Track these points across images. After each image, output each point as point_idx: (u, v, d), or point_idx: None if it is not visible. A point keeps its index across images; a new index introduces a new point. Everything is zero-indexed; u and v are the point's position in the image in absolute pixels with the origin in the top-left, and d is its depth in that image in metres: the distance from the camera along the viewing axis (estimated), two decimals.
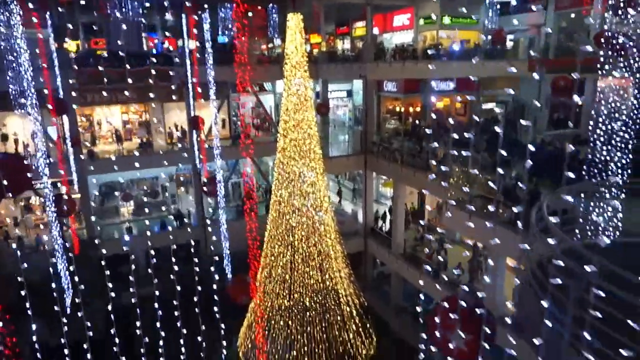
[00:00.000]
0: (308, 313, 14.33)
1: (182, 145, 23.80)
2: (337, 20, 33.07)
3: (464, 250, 19.14)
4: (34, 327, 11.88)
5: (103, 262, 22.33)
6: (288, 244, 14.29)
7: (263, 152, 24.41)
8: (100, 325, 19.28)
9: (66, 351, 11.78)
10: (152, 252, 25.19)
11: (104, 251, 18.66)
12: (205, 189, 15.52)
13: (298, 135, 13.87)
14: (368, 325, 15.73)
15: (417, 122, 23.92)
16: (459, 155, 17.83)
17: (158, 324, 14.21)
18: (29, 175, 7.45)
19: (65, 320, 12.37)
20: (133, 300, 21.53)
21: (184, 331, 17.76)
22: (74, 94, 20.62)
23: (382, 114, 25.93)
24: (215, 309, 14.07)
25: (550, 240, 4.21)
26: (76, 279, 13.22)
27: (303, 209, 14.19)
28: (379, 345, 16.63)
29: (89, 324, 12.24)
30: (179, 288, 21.43)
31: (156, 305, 15.62)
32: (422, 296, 11.24)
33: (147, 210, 24.94)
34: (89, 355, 12.43)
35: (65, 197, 12.80)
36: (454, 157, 18.73)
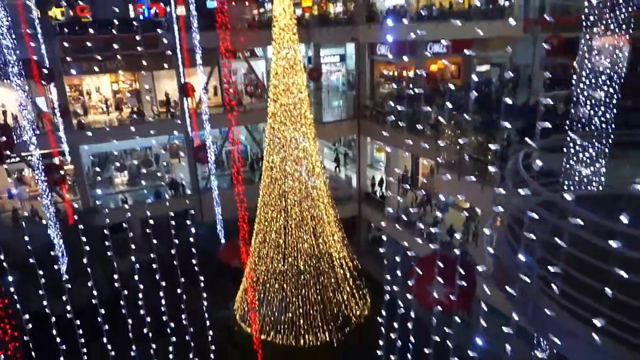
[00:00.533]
0: (302, 276, 14.58)
1: (173, 114, 23.58)
2: None
3: (459, 213, 19.34)
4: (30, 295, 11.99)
5: (101, 231, 22.51)
6: (281, 209, 14.39)
7: (256, 119, 24.24)
8: (102, 292, 19.63)
9: (69, 318, 11.92)
10: (149, 221, 25.38)
11: (104, 220, 18.90)
12: (196, 156, 15.47)
13: (288, 99, 13.74)
14: (362, 287, 16.04)
15: (410, 85, 23.65)
16: (451, 118, 17.83)
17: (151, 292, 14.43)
18: (12, 140, 7.43)
19: (69, 287, 12.58)
20: (131, 267, 21.84)
21: (184, 297, 18.08)
22: (61, 63, 20.26)
23: (376, 78, 25.61)
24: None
25: (522, 192, 4.24)
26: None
27: (295, 174, 14.21)
28: (375, 306, 17.02)
29: (94, 292, 12.39)
30: (174, 254, 21.71)
31: (153, 271, 15.84)
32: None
33: (141, 180, 24.95)
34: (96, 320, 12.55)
35: (56, 166, 12.75)
36: (446, 119, 18.74)
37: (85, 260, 11.77)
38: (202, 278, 14.94)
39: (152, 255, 19.14)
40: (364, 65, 22.40)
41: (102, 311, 12.03)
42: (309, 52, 26.01)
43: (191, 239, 15.70)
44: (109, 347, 12.48)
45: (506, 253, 4.60)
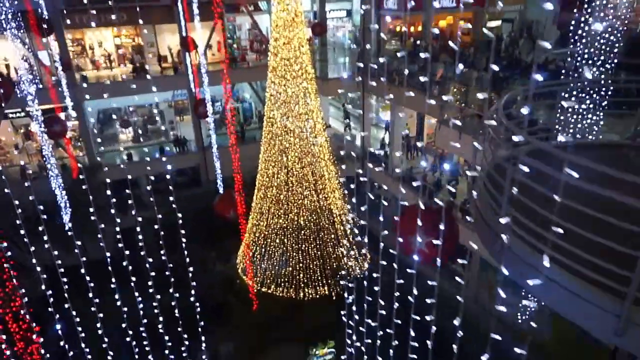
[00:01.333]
0: (302, 231, 14.76)
1: (176, 69, 23.33)
2: None
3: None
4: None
5: (106, 187, 22.75)
6: (282, 165, 14.41)
7: (260, 75, 23.87)
8: (107, 246, 20.11)
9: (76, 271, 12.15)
10: (153, 177, 25.61)
11: (109, 176, 19.04)
12: (196, 111, 15.42)
13: (289, 53, 13.45)
14: (362, 243, 16.24)
15: (417, 42, 23.07)
16: (458, 75, 17.45)
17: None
18: (11, 86, 7.47)
19: (79, 243, 12.82)
20: (136, 222, 22.20)
21: (185, 252, 18.41)
22: (61, 15, 19.94)
23: (383, 34, 24.96)
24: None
25: (516, 137, 4.15)
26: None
27: (296, 130, 14.12)
28: (374, 262, 17.30)
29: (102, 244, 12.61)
30: (178, 210, 22.00)
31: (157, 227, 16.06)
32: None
33: (146, 137, 25.07)
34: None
35: (56, 119, 12.79)
36: (452, 76, 18.34)
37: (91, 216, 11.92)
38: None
39: (155, 211, 19.33)
40: (370, 20, 21.77)
41: (108, 265, 12.27)
42: (314, 6, 25.31)
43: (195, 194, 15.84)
44: (116, 298, 12.80)
45: (484, 199, 4.60)
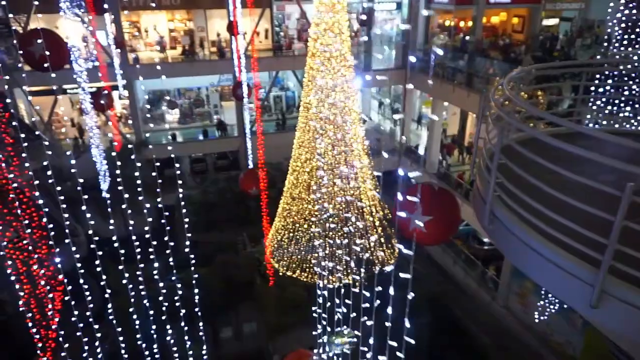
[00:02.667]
0: (330, 219, 14.77)
1: (223, 54, 23.86)
2: None
3: None
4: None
5: (151, 164, 23.63)
6: (314, 151, 14.47)
7: (305, 64, 24.05)
8: (144, 221, 20.97)
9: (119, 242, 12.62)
10: (196, 158, 26.25)
11: (154, 154, 19.75)
12: (234, 92, 15.76)
13: (328, 39, 13.45)
14: (391, 236, 16.07)
15: (466, 37, 22.43)
16: (506, 72, 16.84)
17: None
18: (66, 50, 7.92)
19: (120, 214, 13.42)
20: (177, 201, 22.92)
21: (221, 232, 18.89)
22: None
23: (432, 29, 24.45)
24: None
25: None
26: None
27: (330, 116, 14.12)
28: (402, 258, 17.10)
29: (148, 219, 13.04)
30: (217, 192, 22.58)
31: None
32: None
33: (192, 119, 25.88)
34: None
35: (102, 92, 13.45)
36: (501, 73, 17.71)
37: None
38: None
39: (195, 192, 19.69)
40: (417, 13, 21.39)
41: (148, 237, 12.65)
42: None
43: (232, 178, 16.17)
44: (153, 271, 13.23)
45: (482, 176, 4.50)
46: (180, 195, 12.32)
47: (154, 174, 14.53)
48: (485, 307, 16.95)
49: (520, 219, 3.72)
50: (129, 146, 20.30)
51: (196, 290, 15.19)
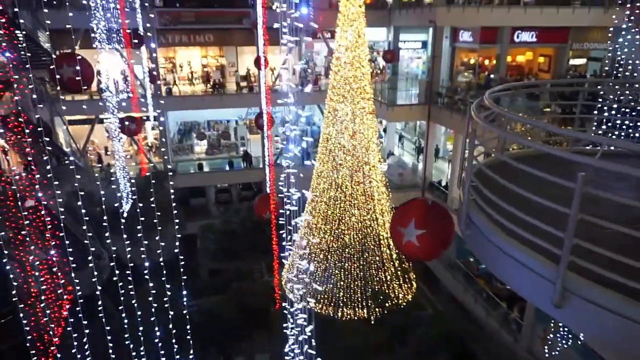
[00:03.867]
0: (347, 250, 14.70)
1: (252, 88, 24.73)
2: None
3: None
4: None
5: (177, 192, 24.19)
6: (332, 181, 14.60)
7: None
8: (168, 249, 21.27)
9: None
10: (220, 188, 26.80)
11: (181, 182, 20.29)
12: (256, 122, 16.25)
13: (349, 72, 13.83)
14: (408, 271, 15.79)
15: (491, 76, 22.53)
16: (530, 109, 16.75)
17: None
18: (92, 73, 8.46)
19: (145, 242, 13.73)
20: (199, 229, 23.26)
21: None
22: (156, 33, 22.17)
23: (457, 66, 24.72)
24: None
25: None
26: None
27: (349, 147, 14.31)
28: (420, 294, 16.74)
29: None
30: (238, 222, 22.76)
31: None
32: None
33: (219, 150, 26.65)
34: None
35: (132, 118, 14.14)
36: (524, 110, 17.59)
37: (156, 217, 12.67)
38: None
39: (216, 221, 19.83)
40: (441, 50, 21.72)
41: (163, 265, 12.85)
42: (389, 36, 25.77)
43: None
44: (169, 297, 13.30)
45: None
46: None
47: (173, 202, 14.95)
48: (507, 349, 16.20)
49: (492, 222, 3.71)
50: (156, 173, 20.98)
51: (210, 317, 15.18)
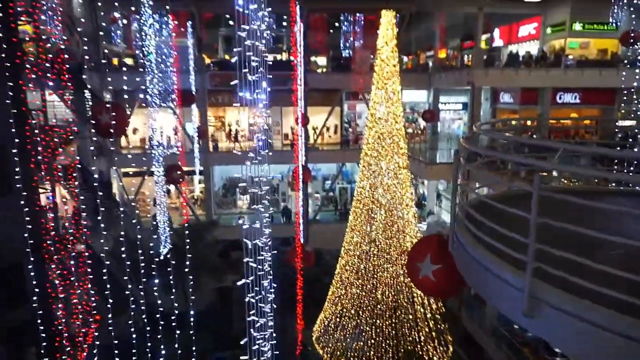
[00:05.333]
0: (379, 306, 14.33)
1: (294, 146, 25.62)
2: (463, 34, 32.60)
3: None
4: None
5: (218, 244, 24.77)
6: (365, 235, 14.57)
7: None
8: (207, 300, 21.49)
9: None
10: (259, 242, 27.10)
11: (222, 235, 20.85)
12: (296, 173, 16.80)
13: (383, 128, 14.21)
14: (444, 332, 15.06)
15: (533, 136, 22.24)
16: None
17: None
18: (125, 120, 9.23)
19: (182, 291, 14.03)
20: (234, 282, 23.49)
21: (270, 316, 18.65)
22: (207, 94, 23.88)
23: (497, 127, 24.65)
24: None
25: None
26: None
27: (383, 201, 14.38)
28: (457, 358, 15.82)
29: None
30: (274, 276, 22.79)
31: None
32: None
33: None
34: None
35: (175, 167, 15.01)
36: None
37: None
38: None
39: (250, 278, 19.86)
40: (479, 110, 21.88)
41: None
42: (429, 98, 26.31)
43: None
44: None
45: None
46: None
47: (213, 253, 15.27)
48: None
49: (473, 237, 3.71)
50: (197, 224, 21.70)
51: None
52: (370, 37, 24.22)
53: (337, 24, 34.93)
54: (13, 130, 10.21)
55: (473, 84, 19.94)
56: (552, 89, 21.10)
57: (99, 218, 12.70)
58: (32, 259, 10.60)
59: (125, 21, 26.87)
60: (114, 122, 8.45)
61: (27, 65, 10.92)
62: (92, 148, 15.24)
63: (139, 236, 15.26)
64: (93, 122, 8.70)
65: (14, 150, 10.35)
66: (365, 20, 29.86)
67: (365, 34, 28.63)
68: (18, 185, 10.38)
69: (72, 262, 12.81)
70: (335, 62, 26.66)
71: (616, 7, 18.82)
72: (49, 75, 12.80)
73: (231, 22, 31.27)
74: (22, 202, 10.50)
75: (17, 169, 10.32)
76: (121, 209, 18.51)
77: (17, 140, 10.32)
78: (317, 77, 24.26)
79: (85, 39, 18.21)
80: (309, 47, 29.11)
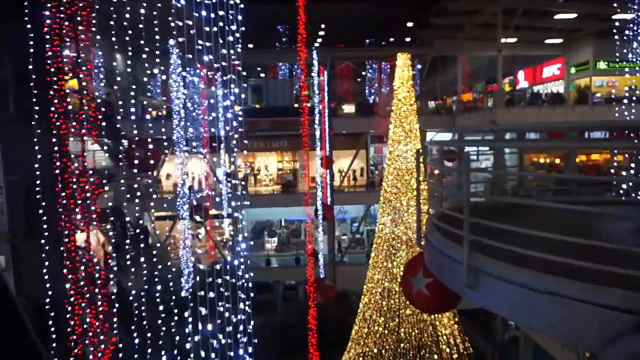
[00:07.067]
0: (402, 344, 14.00)
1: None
2: (487, 78, 33.05)
3: None
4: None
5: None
6: (386, 271, 14.50)
7: None
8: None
9: None
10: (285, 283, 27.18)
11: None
12: (317, 214, 17.03)
13: (401, 165, 14.47)
14: None
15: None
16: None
17: None
18: (153, 159, 9.85)
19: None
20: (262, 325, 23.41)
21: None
22: (236, 141, 24.90)
23: (526, 166, 24.37)
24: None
25: None
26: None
27: (403, 237, 14.39)
28: None
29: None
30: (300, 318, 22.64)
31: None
32: None
33: (288, 247, 27.61)
34: None
35: (202, 206, 15.62)
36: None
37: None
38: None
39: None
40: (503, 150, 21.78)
41: None
42: (454, 137, 26.45)
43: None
44: None
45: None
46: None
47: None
48: None
49: (433, 227, 3.83)
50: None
51: None
52: (393, 83, 25.01)
53: (363, 73, 36.28)
54: (54, 173, 11.02)
55: (495, 123, 20.03)
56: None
57: (131, 257, 13.27)
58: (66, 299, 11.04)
59: (164, 76, 28.84)
60: (149, 156, 9.10)
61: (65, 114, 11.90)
62: (127, 194, 16.03)
63: (169, 276, 15.70)
64: (127, 156, 9.37)
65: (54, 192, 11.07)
66: (390, 67, 30.89)
67: (390, 80, 29.53)
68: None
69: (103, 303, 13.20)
70: (360, 106, 27.43)
71: (633, 44, 18.84)
72: (87, 123, 13.90)
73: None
74: (58, 242, 11.08)
75: (54, 211, 10.99)
76: (153, 251, 19.14)
77: (57, 182, 11.09)
78: (342, 121, 24.97)
79: (122, 91, 19.68)
80: (336, 94, 30.29)
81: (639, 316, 2.12)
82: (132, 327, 14.48)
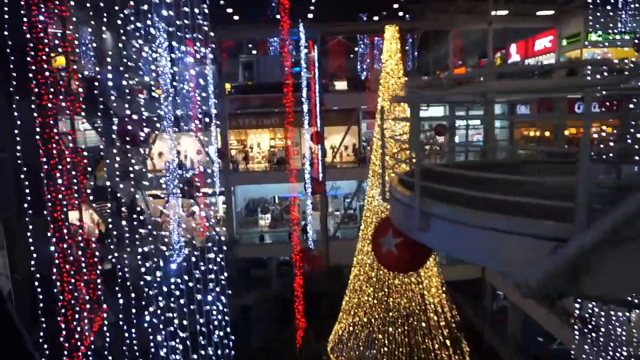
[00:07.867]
0: (391, 313, 14.34)
1: (312, 165, 26.16)
2: (480, 52, 32.86)
3: None
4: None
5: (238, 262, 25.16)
6: None
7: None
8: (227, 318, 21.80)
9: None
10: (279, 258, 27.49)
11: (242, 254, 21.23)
12: (308, 187, 17.20)
13: (392, 148, 14.57)
14: (460, 340, 14.86)
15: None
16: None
17: None
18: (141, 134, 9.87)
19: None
20: (254, 300, 23.84)
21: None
22: (228, 118, 24.88)
23: (516, 140, 24.51)
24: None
25: None
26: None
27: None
28: None
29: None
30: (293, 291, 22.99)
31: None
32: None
33: (281, 223, 27.88)
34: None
35: (191, 181, 15.73)
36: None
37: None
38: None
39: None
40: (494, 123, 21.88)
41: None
42: (446, 112, 26.48)
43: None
44: None
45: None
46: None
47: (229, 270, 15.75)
48: None
49: (399, 183, 3.99)
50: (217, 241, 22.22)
51: None
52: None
53: (356, 49, 35.94)
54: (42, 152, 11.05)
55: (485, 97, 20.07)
56: (568, 99, 20.96)
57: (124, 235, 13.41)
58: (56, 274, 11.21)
59: (153, 54, 28.50)
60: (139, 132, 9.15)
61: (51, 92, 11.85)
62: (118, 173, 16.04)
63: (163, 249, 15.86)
64: (120, 131, 9.41)
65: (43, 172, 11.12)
66: (382, 42, 30.62)
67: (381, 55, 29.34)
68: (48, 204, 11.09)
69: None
70: (353, 82, 27.32)
71: (624, 14, 18.80)
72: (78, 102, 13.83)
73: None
74: (50, 220, 11.18)
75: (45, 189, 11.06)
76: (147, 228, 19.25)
77: (46, 162, 11.13)
78: (334, 97, 24.92)
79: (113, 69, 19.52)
80: (328, 71, 30.11)
81: (562, 242, 2.32)
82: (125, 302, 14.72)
